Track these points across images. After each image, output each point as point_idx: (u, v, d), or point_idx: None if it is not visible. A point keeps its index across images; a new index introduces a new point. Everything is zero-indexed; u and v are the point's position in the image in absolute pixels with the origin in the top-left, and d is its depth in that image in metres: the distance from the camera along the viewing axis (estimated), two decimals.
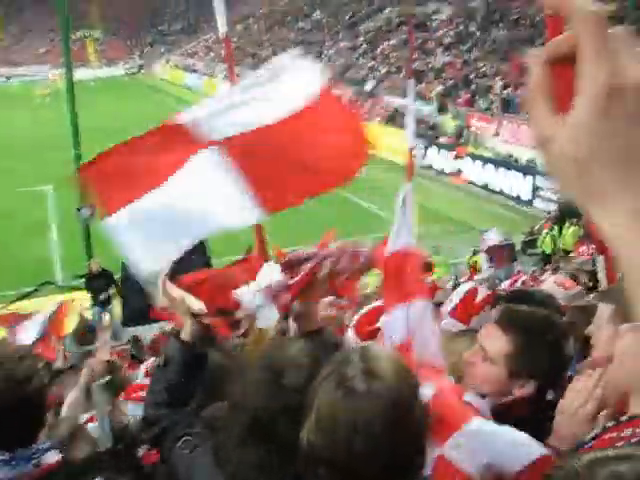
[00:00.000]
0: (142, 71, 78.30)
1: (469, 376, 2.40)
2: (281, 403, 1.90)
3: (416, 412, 1.65)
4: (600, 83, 0.64)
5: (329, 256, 2.74)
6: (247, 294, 2.66)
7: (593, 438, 1.77)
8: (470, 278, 8.31)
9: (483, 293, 3.90)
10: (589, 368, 2.02)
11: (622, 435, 1.70)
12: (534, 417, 2.25)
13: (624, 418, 1.80)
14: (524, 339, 2.27)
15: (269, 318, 2.70)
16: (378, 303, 3.43)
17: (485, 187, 25.64)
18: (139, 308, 6.39)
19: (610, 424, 1.81)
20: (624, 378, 1.93)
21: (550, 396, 2.36)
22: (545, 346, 2.27)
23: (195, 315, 2.60)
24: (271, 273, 2.70)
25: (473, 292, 3.86)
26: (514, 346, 2.26)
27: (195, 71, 64.36)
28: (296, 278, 2.69)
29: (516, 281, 9.05)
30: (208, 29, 71.43)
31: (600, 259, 4.05)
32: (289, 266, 2.74)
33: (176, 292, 2.71)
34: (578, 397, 1.98)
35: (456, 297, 3.85)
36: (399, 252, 2.94)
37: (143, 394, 3.13)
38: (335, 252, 2.77)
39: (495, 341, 2.30)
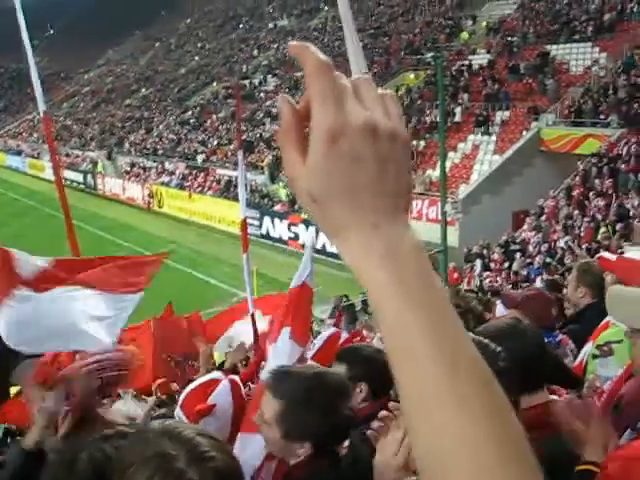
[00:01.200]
0: None
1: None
2: None
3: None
4: (325, 127, 0.69)
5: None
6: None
7: None
8: (336, 324, 8.45)
9: (345, 337, 4.20)
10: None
11: None
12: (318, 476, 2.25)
13: (413, 478, 1.79)
14: (290, 402, 2.26)
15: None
16: (206, 378, 3.40)
17: (321, 251, 26.12)
18: None
19: None
20: None
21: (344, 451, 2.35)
22: (313, 408, 2.23)
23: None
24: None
25: (336, 336, 4.07)
26: (282, 409, 2.25)
27: (19, 152, 61.82)
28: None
29: (356, 339, 9.17)
30: (33, 108, 69.04)
31: None
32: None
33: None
34: (388, 449, 1.88)
35: (319, 341, 4.01)
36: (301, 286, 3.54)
37: None
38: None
39: (267, 404, 2.31)
